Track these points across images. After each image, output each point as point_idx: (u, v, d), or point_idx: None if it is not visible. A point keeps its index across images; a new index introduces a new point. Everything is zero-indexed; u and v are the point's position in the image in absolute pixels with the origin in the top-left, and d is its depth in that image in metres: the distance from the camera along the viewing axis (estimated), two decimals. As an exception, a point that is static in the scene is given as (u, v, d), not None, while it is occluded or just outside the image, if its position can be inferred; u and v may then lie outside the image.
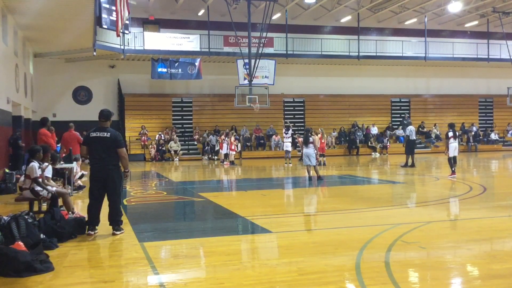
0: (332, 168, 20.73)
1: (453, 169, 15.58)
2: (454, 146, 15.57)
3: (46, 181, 9.04)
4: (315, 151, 15.08)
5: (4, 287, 5.14)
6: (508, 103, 30.69)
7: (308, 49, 30.06)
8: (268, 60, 27.92)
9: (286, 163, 22.08)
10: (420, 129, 31.65)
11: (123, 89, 28.33)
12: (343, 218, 9.05)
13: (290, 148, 22.72)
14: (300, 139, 16.99)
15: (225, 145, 23.31)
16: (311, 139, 15.06)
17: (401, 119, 31.86)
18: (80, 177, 13.80)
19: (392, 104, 32.99)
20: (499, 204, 10.52)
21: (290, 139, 22.82)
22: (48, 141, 10.35)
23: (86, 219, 7.68)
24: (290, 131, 22.94)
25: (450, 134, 15.59)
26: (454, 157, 15.59)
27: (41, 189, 8.62)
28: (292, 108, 31.20)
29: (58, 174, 12.42)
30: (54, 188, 8.87)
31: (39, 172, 8.65)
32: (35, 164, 8.61)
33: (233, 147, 23.03)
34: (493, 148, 32.07)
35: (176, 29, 28.68)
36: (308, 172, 15.24)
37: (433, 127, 32.11)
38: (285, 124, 24.60)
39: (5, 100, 17.11)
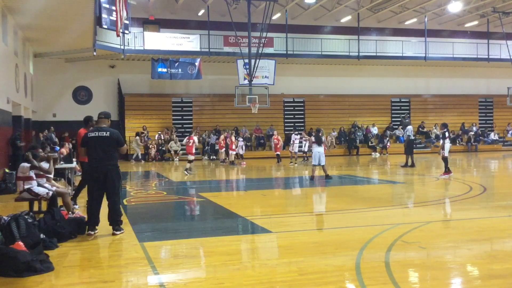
0: (332, 168, 20.73)
1: (446, 169, 15.64)
2: (449, 146, 15.65)
3: (46, 180, 9.03)
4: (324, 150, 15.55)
5: (4, 287, 5.14)
6: (508, 103, 30.69)
7: (308, 49, 30.04)
8: (268, 60, 27.91)
9: (292, 163, 22.24)
10: (420, 129, 31.65)
11: (123, 89, 28.33)
12: (343, 218, 9.06)
13: (297, 149, 23.05)
14: (311, 138, 17.16)
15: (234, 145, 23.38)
16: (323, 139, 15.29)
17: (400, 118, 31.85)
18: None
19: (392, 104, 32.99)
20: (499, 204, 10.52)
21: (299, 141, 23.17)
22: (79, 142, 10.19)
23: (86, 219, 7.68)
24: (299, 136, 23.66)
25: (447, 134, 15.67)
26: (446, 158, 15.67)
27: (42, 189, 8.64)
28: (292, 108, 31.19)
29: (59, 174, 12.43)
30: (54, 188, 8.87)
31: (31, 172, 8.67)
32: (25, 164, 8.61)
33: (233, 147, 23.04)
34: (493, 148, 32.07)
35: (176, 29, 28.67)
36: (313, 172, 15.31)
37: (433, 127, 32.09)
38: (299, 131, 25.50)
39: (5, 100, 17.10)
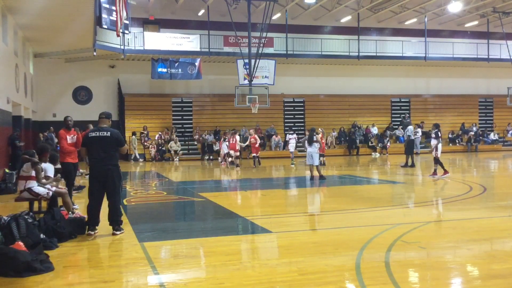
0: (332, 168, 20.73)
1: (442, 169, 15.62)
2: (440, 146, 15.62)
3: (45, 180, 9.01)
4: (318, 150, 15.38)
5: (4, 287, 5.14)
6: (508, 103, 30.68)
7: (308, 49, 30.04)
8: (268, 60, 27.90)
9: (290, 163, 22.35)
10: (419, 129, 31.56)
11: (123, 89, 28.32)
12: (343, 218, 9.06)
13: (294, 149, 23.01)
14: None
15: (224, 145, 23.39)
16: (315, 138, 15.18)
17: (400, 119, 31.85)
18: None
19: (392, 104, 32.99)
20: (499, 204, 10.52)
21: (294, 140, 23.12)
22: (60, 143, 10.28)
23: (86, 219, 7.68)
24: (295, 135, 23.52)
25: (439, 134, 15.64)
26: (437, 158, 15.63)
27: (42, 189, 8.62)
28: (292, 108, 31.19)
29: (58, 174, 12.40)
30: (54, 188, 8.86)
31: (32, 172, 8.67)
32: (28, 163, 8.62)
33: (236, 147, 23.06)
34: (493, 148, 32.07)
35: (176, 29, 28.66)
36: (311, 172, 15.29)
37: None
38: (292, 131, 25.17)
39: (5, 100, 17.10)
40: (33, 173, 8.64)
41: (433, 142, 15.71)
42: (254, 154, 21.39)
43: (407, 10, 30.80)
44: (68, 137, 10.27)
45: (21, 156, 15.52)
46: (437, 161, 15.66)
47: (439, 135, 15.60)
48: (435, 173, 15.77)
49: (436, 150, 15.46)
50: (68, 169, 10.15)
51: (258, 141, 21.78)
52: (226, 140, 23.39)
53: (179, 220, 9.62)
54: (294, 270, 5.53)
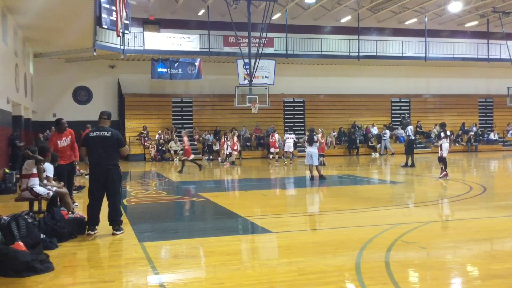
0: (332, 168, 20.73)
1: (444, 169, 15.56)
2: (446, 146, 15.52)
3: (46, 181, 9.02)
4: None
5: (4, 287, 5.14)
6: (508, 103, 30.67)
7: (308, 49, 30.05)
8: (268, 60, 27.90)
9: (289, 163, 22.45)
10: (417, 129, 31.60)
11: (123, 89, 28.33)
12: (343, 218, 9.06)
13: (292, 149, 23.03)
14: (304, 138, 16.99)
15: (225, 145, 23.46)
16: (315, 138, 15.18)
17: (400, 118, 31.86)
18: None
19: (392, 104, 32.98)
20: (499, 204, 10.53)
21: (292, 140, 23.14)
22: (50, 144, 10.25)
23: (86, 219, 7.68)
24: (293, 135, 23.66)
25: (442, 134, 15.58)
26: (444, 158, 15.55)
27: (42, 189, 8.62)
28: (292, 108, 31.19)
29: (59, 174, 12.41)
30: (54, 188, 8.86)
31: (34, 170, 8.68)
32: (30, 160, 8.63)
33: (235, 147, 23.06)
34: (493, 148, 32.07)
35: (176, 29, 28.68)
36: (310, 172, 15.29)
37: (433, 127, 32.06)
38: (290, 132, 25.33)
39: (5, 100, 17.11)
40: (35, 170, 8.63)
41: (444, 141, 15.48)
42: (185, 158, 18.74)
43: (407, 10, 30.81)
44: (59, 141, 10.12)
45: (21, 155, 15.52)
46: (441, 160, 15.58)
47: (441, 135, 15.54)
48: (446, 173, 15.58)
49: (441, 149, 15.40)
50: (60, 172, 10.09)
51: (187, 144, 18.85)
52: (228, 139, 23.45)
53: (179, 220, 9.61)
54: (294, 270, 5.53)
